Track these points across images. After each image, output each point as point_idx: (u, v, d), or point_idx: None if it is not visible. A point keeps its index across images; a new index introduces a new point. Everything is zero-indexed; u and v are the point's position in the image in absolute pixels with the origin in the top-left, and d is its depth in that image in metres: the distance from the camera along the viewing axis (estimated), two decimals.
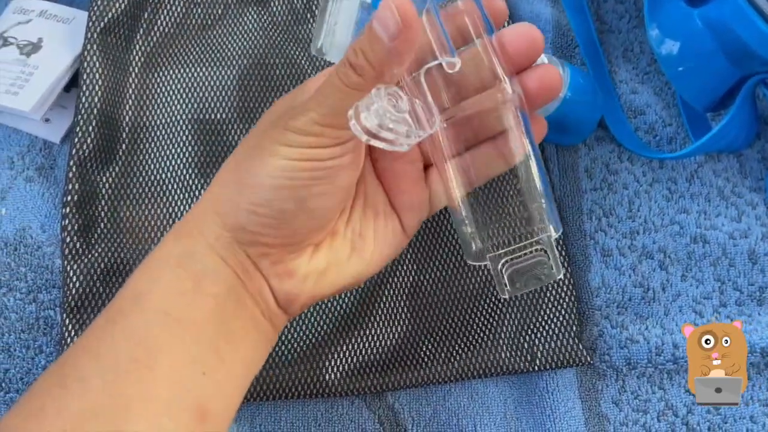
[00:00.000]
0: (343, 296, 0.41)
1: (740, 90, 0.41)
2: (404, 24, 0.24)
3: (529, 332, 0.40)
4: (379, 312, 0.40)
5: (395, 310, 0.40)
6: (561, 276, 0.30)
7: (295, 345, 0.39)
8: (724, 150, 0.44)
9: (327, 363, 0.38)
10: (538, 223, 0.30)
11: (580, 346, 0.39)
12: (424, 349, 0.39)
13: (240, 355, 0.29)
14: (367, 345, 0.39)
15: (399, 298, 0.41)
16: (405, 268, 0.41)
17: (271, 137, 0.28)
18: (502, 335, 0.40)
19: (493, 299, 0.41)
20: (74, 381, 0.26)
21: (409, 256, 0.41)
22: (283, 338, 0.39)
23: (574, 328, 0.40)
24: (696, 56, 0.40)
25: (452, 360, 0.39)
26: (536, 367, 0.39)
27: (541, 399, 0.40)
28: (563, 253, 0.42)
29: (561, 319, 0.40)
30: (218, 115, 0.44)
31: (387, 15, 0.24)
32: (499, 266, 0.30)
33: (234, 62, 0.45)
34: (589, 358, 0.39)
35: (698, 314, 0.41)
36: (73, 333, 0.38)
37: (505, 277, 0.30)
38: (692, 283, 0.42)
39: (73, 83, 0.44)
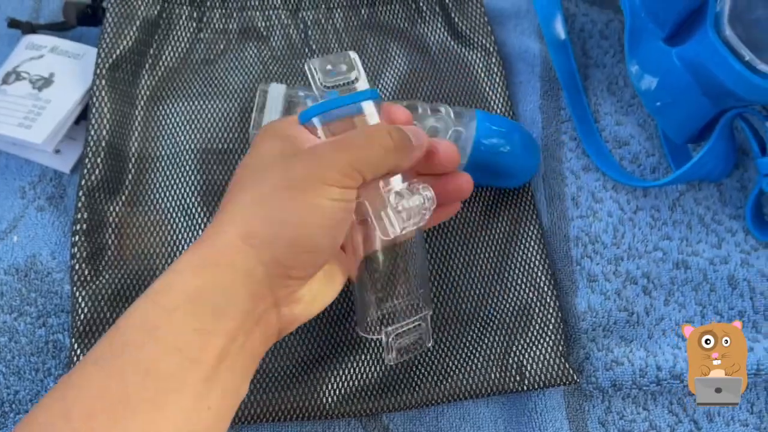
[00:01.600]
0: (338, 321, 0.42)
1: (718, 123, 0.43)
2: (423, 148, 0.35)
3: (518, 353, 0.41)
4: None
5: None
6: (430, 345, 0.37)
7: (294, 370, 0.41)
8: (704, 179, 0.46)
9: (324, 387, 0.40)
10: (423, 302, 0.36)
11: (567, 366, 0.41)
12: (417, 371, 0.41)
13: (238, 386, 0.30)
14: (362, 368, 0.41)
15: None
16: None
17: (304, 175, 0.31)
18: (492, 357, 0.41)
19: (483, 321, 0.42)
20: (80, 417, 0.26)
21: None
22: (283, 364, 0.41)
23: (561, 349, 0.41)
24: (674, 92, 0.42)
25: (445, 381, 0.41)
26: (525, 387, 0.40)
27: (530, 419, 0.41)
28: (550, 278, 0.44)
29: (548, 340, 0.42)
30: (221, 146, 0.46)
31: (421, 135, 0.35)
32: (390, 339, 0.36)
33: (236, 95, 0.48)
34: (576, 378, 0.41)
35: (681, 338, 0.43)
36: (81, 356, 0.40)
37: (394, 347, 0.36)
38: (675, 307, 0.44)
39: (82, 116, 0.46)
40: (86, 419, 0.25)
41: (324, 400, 0.40)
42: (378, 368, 0.41)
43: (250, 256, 0.30)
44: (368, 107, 0.34)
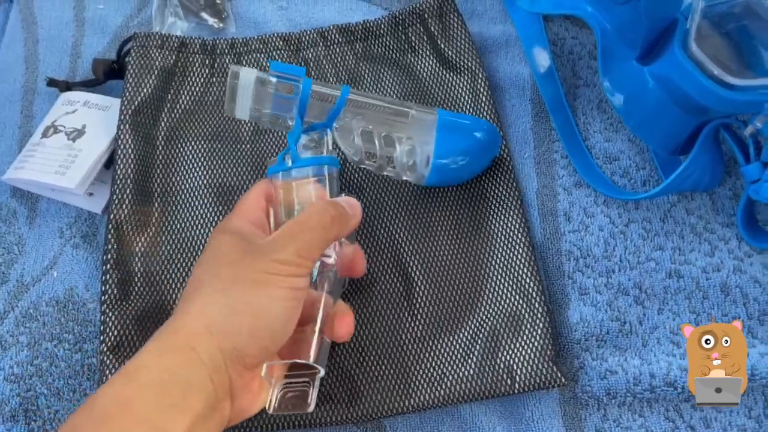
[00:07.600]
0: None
1: (701, 134, 0.44)
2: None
3: (508, 357, 0.43)
4: (365, 339, 0.45)
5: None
6: (311, 410, 0.38)
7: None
8: (693, 189, 0.47)
9: (320, 393, 0.43)
10: (318, 362, 0.38)
11: (555, 369, 0.42)
12: (412, 377, 0.43)
13: None
14: (356, 374, 0.44)
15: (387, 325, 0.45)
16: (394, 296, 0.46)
17: (259, 269, 0.36)
18: (483, 361, 0.43)
19: (474, 327, 0.44)
20: None
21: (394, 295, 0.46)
22: None
23: (549, 352, 0.43)
24: (650, 109, 0.43)
25: (439, 387, 0.42)
26: (516, 390, 0.42)
27: (527, 428, 0.43)
28: (538, 284, 0.45)
29: (536, 344, 0.43)
30: (234, 182, 0.50)
31: (354, 205, 0.41)
32: (275, 387, 0.38)
33: (246, 134, 0.52)
34: (563, 380, 0.42)
35: (676, 345, 0.44)
36: (114, 370, 0.43)
37: (277, 396, 0.38)
38: (669, 315, 0.45)
39: (111, 161, 0.51)
40: None
41: (320, 407, 0.42)
42: (373, 373, 0.43)
43: (212, 344, 0.34)
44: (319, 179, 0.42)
